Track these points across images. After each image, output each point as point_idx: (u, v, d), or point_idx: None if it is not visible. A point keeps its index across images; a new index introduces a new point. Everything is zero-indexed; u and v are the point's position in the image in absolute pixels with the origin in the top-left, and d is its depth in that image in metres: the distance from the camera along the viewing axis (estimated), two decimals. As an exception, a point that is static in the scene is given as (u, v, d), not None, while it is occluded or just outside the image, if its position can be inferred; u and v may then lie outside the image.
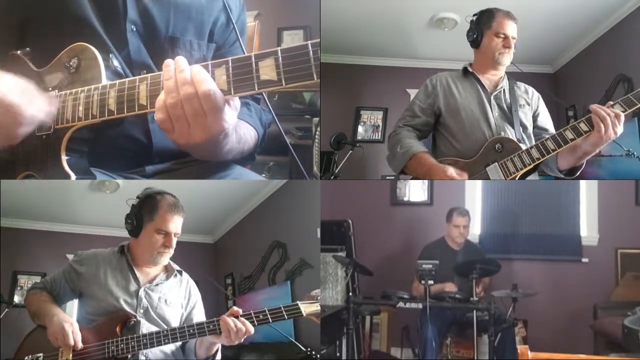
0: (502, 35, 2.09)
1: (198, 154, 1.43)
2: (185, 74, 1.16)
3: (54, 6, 1.43)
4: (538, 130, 2.17)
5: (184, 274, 1.85)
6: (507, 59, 2.12)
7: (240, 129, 1.48)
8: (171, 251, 1.76)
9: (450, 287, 3.08)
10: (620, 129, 1.79)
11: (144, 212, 1.74)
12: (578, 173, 2.03)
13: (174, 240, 1.76)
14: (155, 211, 1.74)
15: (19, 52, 1.43)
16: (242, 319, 1.59)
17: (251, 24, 3.37)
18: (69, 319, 1.64)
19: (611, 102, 1.82)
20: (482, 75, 2.16)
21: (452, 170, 1.96)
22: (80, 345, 1.59)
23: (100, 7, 1.44)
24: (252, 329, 1.59)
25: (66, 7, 1.42)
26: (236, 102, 1.22)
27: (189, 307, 1.82)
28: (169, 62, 1.18)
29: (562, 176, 2.03)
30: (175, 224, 1.76)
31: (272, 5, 3.64)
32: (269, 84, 1.14)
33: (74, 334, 1.59)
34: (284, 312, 1.62)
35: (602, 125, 1.77)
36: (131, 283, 1.73)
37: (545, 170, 2.06)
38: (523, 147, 1.96)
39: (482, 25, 2.13)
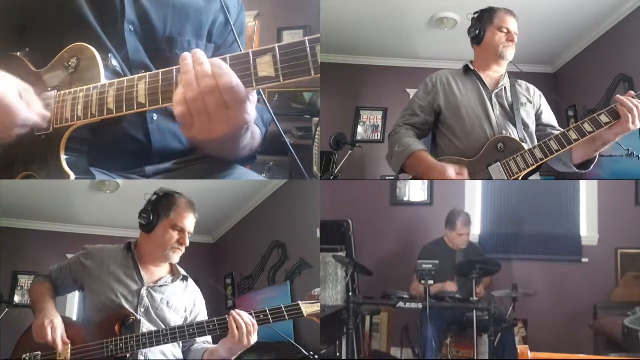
0: (505, 30, 2.10)
1: (214, 151, 1.41)
2: (205, 66, 1.13)
3: (53, 7, 1.44)
4: (544, 127, 2.15)
5: (190, 280, 1.84)
6: (510, 53, 2.11)
7: (251, 124, 1.48)
8: (183, 249, 1.77)
9: (450, 287, 3.08)
10: None
11: (160, 208, 1.75)
12: (592, 167, 2.01)
13: (188, 239, 1.76)
14: (173, 207, 1.75)
15: (18, 53, 1.43)
16: (246, 314, 1.59)
17: (251, 24, 3.37)
18: (52, 316, 1.62)
19: (633, 93, 1.80)
20: (483, 72, 2.15)
21: (451, 172, 1.95)
22: (59, 342, 1.57)
23: (99, 8, 1.44)
24: (257, 325, 1.59)
25: (65, 8, 1.42)
26: (253, 95, 1.20)
27: (194, 314, 1.80)
28: (186, 56, 1.16)
29: (575, 170, 2.01)
30: (191, 222, 1.77)
31: (272, 5, 3.65)
32: (267, 81, 1.14)
33: (53, 331, 1.57)
34: (285, 313, 1.61)
35: (629, 115, 1.75)
36: (134, 281, 1.72)
37: (556, 166, 2.05)
38: (525, 146, 1.95)
39: (484, 21, 2.13)
